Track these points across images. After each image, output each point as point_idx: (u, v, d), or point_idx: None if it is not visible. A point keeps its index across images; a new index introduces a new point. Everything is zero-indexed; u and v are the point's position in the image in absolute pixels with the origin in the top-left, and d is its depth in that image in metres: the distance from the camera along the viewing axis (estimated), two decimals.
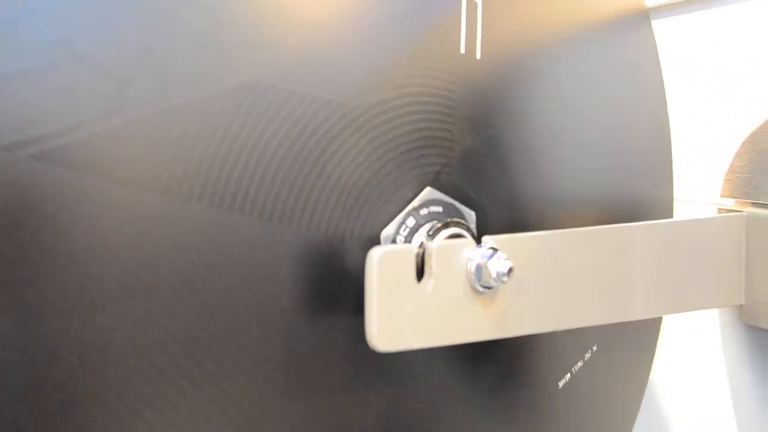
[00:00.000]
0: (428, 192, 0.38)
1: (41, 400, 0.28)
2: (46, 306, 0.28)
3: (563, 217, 0.46)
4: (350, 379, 0.37)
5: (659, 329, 0.58)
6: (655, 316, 0.53)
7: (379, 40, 0.36)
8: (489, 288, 0.36)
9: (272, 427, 0.34)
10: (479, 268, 0.35)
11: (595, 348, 0.51)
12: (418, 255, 0.36)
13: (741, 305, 0.54)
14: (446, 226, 0.37)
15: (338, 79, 0.35)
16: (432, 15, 0.39)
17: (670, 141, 0.56)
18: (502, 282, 0.35)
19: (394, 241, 0.37)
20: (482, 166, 0.41)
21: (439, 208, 0.39)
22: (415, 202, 0.38)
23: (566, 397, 0.49)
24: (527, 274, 0.38)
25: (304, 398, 0.35)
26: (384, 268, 0.32)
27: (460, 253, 0.35)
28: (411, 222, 0.37)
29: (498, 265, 0.35)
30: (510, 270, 0.35)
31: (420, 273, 0.36)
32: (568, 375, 0.49)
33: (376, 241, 0.37)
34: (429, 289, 0.34)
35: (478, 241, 0.38)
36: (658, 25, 0.56)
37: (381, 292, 0.32)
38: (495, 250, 0.35)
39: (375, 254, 0.32)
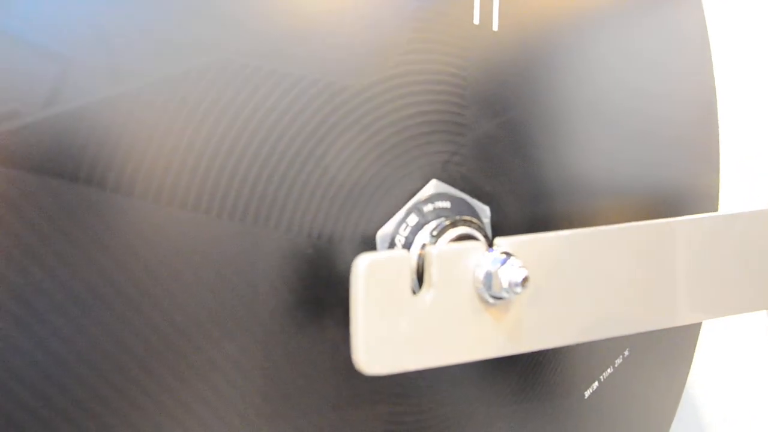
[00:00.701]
0: (434, 185, 0.33)
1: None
2: None
3: (593, 211, 0.41)
4: (342, 397, 0.32)
5: (699, 330, 0.53)
6: (700, 320, 0.47)
7: (376, 9, 0.31)
8: (500, 299, 0.31)
9: None
10: (489, 276, 0.30)
11: (627, 353, 0.46)
12: (420, 257, 0.32)
13: None
14: (454, 224, 0.33)
15: (325, 55, 0.30)
16: None
17: (717, 122, 0.50)
18: (515, 293, 0.30)
19: (392, 242, 0.32)
20: (498, 154, 0.36)
21: (447, 204, 0.34)
22: (419, 197, 0.33)
23: (593, 408, 0.44)
24: (548, 280, 0.33)
25: (288, 419, 0.31)
26: (372, 278, 0.27)
27: (466, 259, 0.30)
28: (413, 220, 0.33)
29: (511, 273, 0.30)
30: (525, 280, 0.30)
31: (421, 279, 0.31)
32: (596, 383, 0.44)
33: (371, 242, 0.32)
34: (428, 301, 0.29)
35: (491, 242, 0.33)
36: None
37: (369, 308, 0.27)
38: (508, 255, 0.30)
39: (361, 263, 0.27)
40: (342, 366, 0.32)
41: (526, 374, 0.40)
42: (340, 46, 0.30)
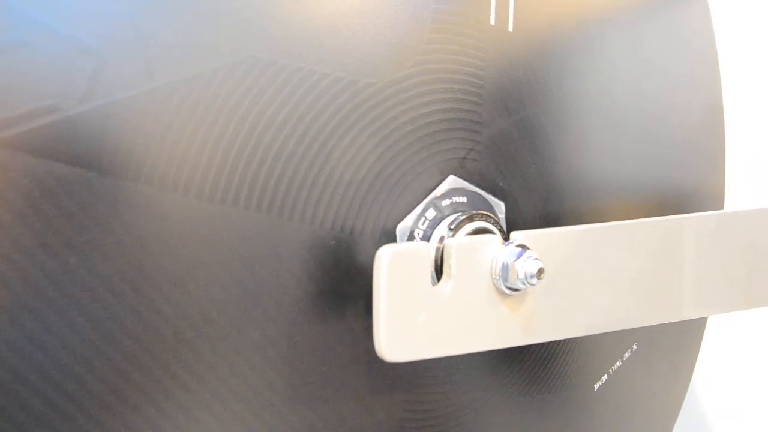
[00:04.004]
0: (451, 180, 0.35)
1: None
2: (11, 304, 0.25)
3: (603, 208, 0.42)
4: (362, 385, 0.33)
5: (704, 325, 0.54)
6: (705, 315, 0.48)
7: (396, 10, 0.32)
8: (516, 290, 0.32)
9: None
10: (505, 268, 0.31)
11: (635, 347, 0.47)
12: (438, 250, 0.33)
13: None
14: (471, 219, 0.34)
15: (349, 54, 0.31)
16: None
17: (723, 122, 0.51)
18: (531, 285, 0.31)
19: (411, 235, 0.33)
20: (513, 151, 0.37)
21: (464, 199, 0.35)
22: (437, 192, 0.34)
23: (601, 400, 0.45)
24: (561, 273, 0.34)
25: (310, 406, 0.32)
26: (395, 269, 0.28)
27: (483, 251, 0.31)
28: (431, 214, 0.34)
29: (527, 265, 0.31)
30: (540, 271, 0.31)
31: (439, 271, 0.32)
32: (605, 376, 0.45)
33: (391, 235, 0.33)
34: (447, 292, 0.30)
35: (507, 236, 0.34)
36: None
37: (391, 297, 0.28)
38: (524, 248, 0.32)
39: (384, 254, 0.28)
40: (362, 355, 0.33)
41: (538, 366, 0.41)
42: (362, 46, 0.31)
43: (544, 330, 0.33)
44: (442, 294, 0.30)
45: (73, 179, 0.26)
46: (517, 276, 0.31)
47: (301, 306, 0.31)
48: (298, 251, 0.31)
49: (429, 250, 0.30)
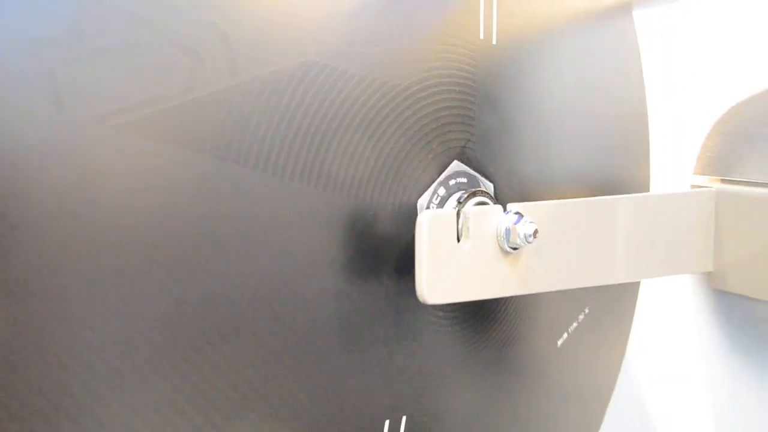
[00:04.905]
0: (455, 165, 0.42)
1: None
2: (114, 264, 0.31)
3: (559, 193, 0.50)
4: (391, 335, 0.40)
5: (637, 293, 0.63)
6: (637, 279, 0.58)
7: (415, 28, 0.40)
8: (515, 249, 0.40)
9: (325, 377, 0.38)
10: (508, 231, 0.39)
11: (587, 310, 0.56)
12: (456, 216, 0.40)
13: (710, 272, 0.60)
14: (474, 195, 0.41)
15: (382, 61, 0.38)
16: (455, 4, 0.43)
17: (647, 126, 0.61)
18: (528, 243, 0.39)
19: (428, 209, 0.41)
20: (497, 143, 0.45)
21: (464, 180, 0.43)
22: (445, 174, 0.42)
23: (564, 354, 0.54)
24: (544, 237, 0.42)
25: (353, 352, 0.39)
26: (432, 230, 0.36)
27: (491, 218, 0.39)
28: (442, 191, 0.41)
29: (525, 227, 0.39)
30: (535, 231, 0.39)
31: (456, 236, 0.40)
32: (565, 334, 0.54)
33: (412, 209, 0.40)
34: (467, 249, 0.38)
35: (504, 207, 0.42)
36: (637, 14, 0.60)
37: (430, 252, 0.36)
38: (521, 215, 0.40)
39: (424, 218, 0.36)
40: (392, 309, 0.40)
41: (512, 326, 0.49)
42: (392, 55, 0.39)
43: (534, 283, 0.42)
44: (463, 250, 0.38)
45: (173, 159, 0.32)
46: (518, 236, 0.39)
47: (346, 268, 0.38)
48: (346, 219, 0.37)
49: (455, 215, 0.38)
